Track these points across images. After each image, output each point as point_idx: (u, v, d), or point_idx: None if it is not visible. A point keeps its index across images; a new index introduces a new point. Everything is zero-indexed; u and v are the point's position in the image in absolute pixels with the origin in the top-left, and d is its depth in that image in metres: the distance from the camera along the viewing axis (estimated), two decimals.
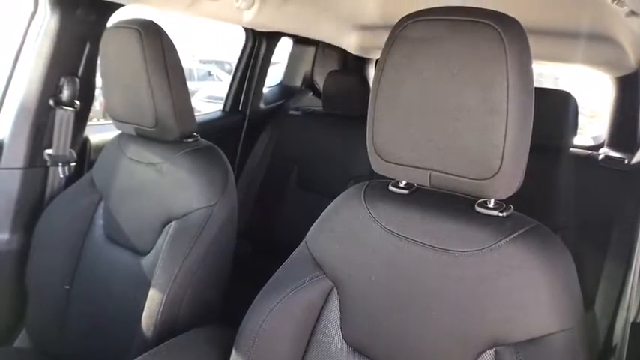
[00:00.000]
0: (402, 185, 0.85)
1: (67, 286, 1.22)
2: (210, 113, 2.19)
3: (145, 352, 0.90)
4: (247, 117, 2.18)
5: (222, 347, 0.92)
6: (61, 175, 1.37)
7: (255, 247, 1.94)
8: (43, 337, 1.25)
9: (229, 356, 0.88)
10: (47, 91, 1.31)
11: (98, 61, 1.36)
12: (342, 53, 2.41)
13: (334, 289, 0.85)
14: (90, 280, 1.21)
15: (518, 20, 0.70)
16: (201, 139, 1.22)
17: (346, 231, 0.86)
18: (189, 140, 1.19)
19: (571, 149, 1.55)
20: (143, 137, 1.21)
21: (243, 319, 0.89)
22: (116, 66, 1.14)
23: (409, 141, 0.75)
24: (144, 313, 1.03)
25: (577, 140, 1.62)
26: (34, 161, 1.33)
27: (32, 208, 1.33)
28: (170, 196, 1.12)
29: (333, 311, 0.85)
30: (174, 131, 1.13)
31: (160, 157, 1.16)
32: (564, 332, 0.67)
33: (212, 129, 2.02)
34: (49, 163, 1.35)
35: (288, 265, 0.92)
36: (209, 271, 1.09)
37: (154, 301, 1.03)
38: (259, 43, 2.14)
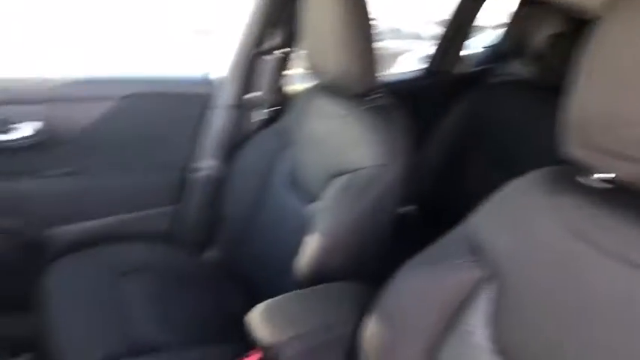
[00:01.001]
0: (598, 177, 0.68)
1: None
2: (406, 73, 2.13)
3: (290, 292, 0.96)
4: (447, 79, 2.05)
5: (360, 306, 0.91)
6: (258, 118, 1.50)
7: (423, 216, 1.86)
8: (227, 254, 1.43)
9: (364, 316, 0.87)
10: (254, 40, 1.42)
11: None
12: (563, 15, 2.05)
13: (489, 279, 0.75)
14: (266, 216, 1.32)
15: None
16: (387, 97, 1.18)
17: (518, 220, 0.74)
18: (374, 96, 1.17)
19: None
20: (332, 89, 1.23)
21: (388, 286, 0.86)
22: (314, 17, 1.17)
23: (623, 122, 0.59)
24: (299, 258, 1.08)
25: None
26: (238, 102, 1.49)
27: (233, 143, 1.50)
28: (345, 149, 1.13)
29: (483, 303, 0.75)
30: (358, 85, 1.13)
31: (344, 110, 1.18)
32: None
33: (406, 89, 1.97)
34: (249, 106, 1.49)
35: (443, 243, 0.85)
36: (368, 229, 1.08)
37: (309, 248, 1.07)
38: (470, 2, 1.96)
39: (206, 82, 1.49)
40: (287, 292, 1.03)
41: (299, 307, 0.94)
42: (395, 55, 3.82)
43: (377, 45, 1.11)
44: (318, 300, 0.97)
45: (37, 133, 1.26)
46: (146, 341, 1.03)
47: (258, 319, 0.91)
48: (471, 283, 0.76)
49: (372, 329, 0.86)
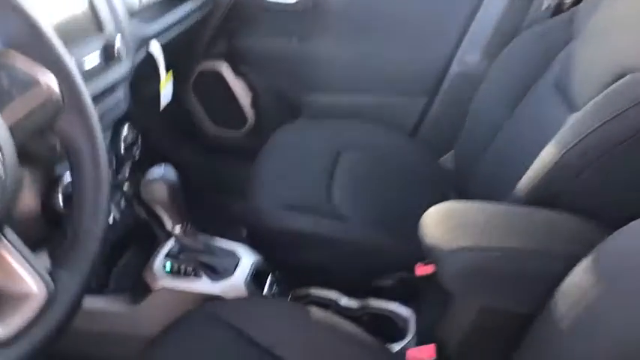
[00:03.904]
0: None
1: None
2: None
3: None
4: None
5: (571, 245, 0.64)
6: (544, 7, 1.19)
7: None
8: (462, 160, 1.26)
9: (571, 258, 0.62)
10: None
11: None
12: None
13: None
14: (519, 122, 1.07)
15: None
16: None
17: None
18: None
19: None
20: None
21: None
22: None
23: None
24: (526, 173, 0.83)
25: None
26: None
27: (508, 35, 1.24)
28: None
29: None
30: None
31: None
32: None
33: None
34: None
35: None
36: (623, 165, 0.73)
37: (538, 165, 0.80)
38: None
39: None
40: None
41: (491, 220, 0.72)
42: None
43: None
44: (520, 220, 0.73)
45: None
46: (333, 209, 1.00)
47: (434, 217, 0.74)
48: None
49: (580, 276, 0.60)
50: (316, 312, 0.75)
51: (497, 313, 0.70)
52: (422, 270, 0.86)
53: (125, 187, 1.07)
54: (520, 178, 0.89)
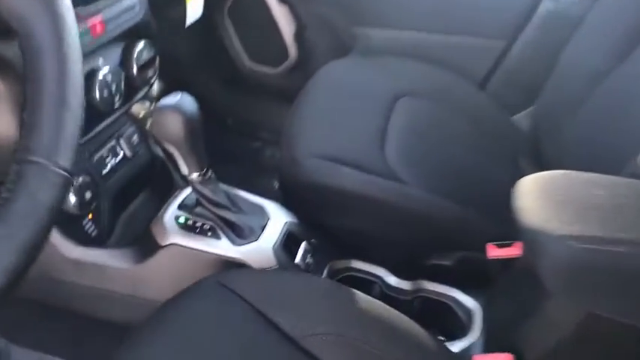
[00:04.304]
0: None
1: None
2: None
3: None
4: None
5: None
6: None
7: None
8: (545, 119, 1.04)
9: None
10: None
11: None
12: None
13: None
14: (634, 78, 0.84)
15: None
16: None
17: None
18: None
19: None
20: None
21: None
22: None
23: None
24: None
25: None
26: None
27: None
28: None
29: None
30: None
31: None
32: None
33: None
34: None
35: None
36: None
37: None
38: None
39: None
40: None
41: (616, 201, 0.52)
42: None
43: None
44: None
45: None
46: (386, 166, 0.82)
47: (534, 189, 0.55)
48: None
49: None
50: (360, 298, 0.59)
51: (612, 325, 0.52)
52: (495, 252, 0.68)
53: (148, 125, 0.91)
54: (633, 146, 0.69)
